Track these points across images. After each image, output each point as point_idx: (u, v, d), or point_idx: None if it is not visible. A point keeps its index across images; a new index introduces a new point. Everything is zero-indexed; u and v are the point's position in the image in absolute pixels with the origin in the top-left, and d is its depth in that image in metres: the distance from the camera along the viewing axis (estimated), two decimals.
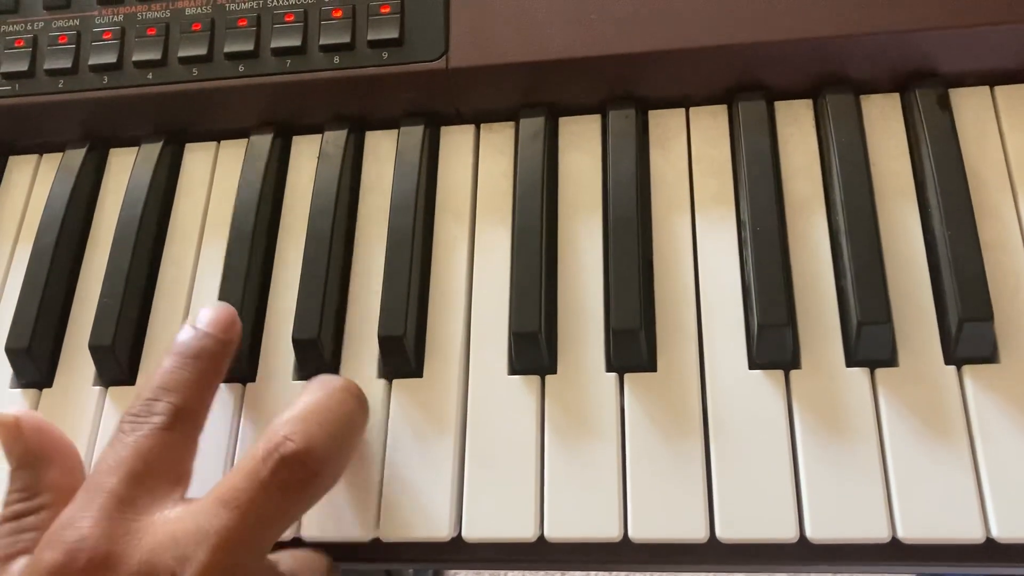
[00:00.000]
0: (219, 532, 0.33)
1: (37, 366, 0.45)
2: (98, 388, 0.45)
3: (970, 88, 0.44)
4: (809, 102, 0.46)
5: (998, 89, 0.44)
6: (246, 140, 0.49)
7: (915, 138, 0.43)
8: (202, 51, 0.48)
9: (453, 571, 1.38)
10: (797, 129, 0.45)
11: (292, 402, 0.37)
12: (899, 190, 0.43)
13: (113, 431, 0.37)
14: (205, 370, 0.39)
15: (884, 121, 0.44)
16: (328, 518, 0.40)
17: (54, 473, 0.38)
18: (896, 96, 0.45)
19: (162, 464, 0.36)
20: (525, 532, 0.39)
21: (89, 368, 0.45)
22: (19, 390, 0.46)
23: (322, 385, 0.38)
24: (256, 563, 0.35)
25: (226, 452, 0.42)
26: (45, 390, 0.46)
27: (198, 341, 0.39)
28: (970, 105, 0.44)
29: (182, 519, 0.34)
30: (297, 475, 0.35)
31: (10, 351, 0.45)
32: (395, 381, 0.43)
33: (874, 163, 0.43)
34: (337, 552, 0.41)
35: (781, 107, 0.46)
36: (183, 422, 0.37)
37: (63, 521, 0.34)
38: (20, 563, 0.35)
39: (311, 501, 0.36)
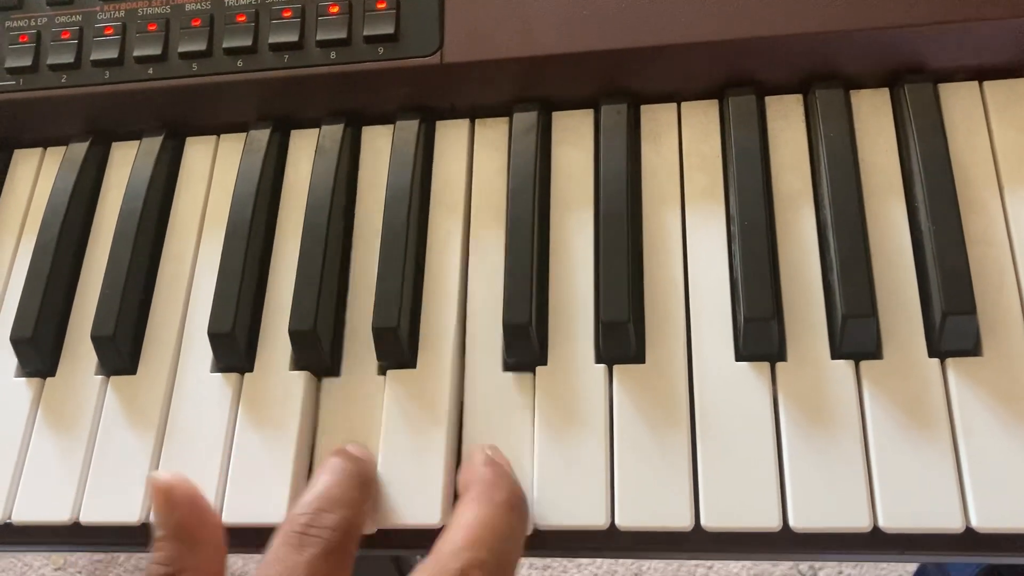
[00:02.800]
0: None
1: (41, 356, 0.46)
2: (100, 377, 0.46)
3: (959, 83, 0.45)
4: (799, 97, 0.46)
5: (987, 84, 0.44)
6: (245, 134, 0.50)
7: (903, 133, 0.44)
8: (201, 46, 0.49)
9: None
10: (787, 124, 0.46)
11: (455, 512, 0.36)
12: (887, 185, 0.43)
13: (279, 538, 0.36)
14: (367, 492, 0.38)
15: (873, 116, 0.45)
16: None
17: (202, 554, 0.37)
18: (885, 91, 0.45)
19: None
20: None
21: (91, 358, 0.46)
22: (23, 379, 0.47)
23: (488, 497, 0.37)
24: None
25: (223, 443, 0.43)
26: (49, 379, 0.47)
27: (358, 464, 0.39)
28: (959, 100, 0.44)
29: None
30: None
31: (15, 341, 0.46)
32: (389, 372, 0.43)
33: (863, 158, 0.44)
34: None
35: (772, 102, 0.46)
36: (352, 539, 0.36)
37: None
38: None
39: None
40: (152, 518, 0.38)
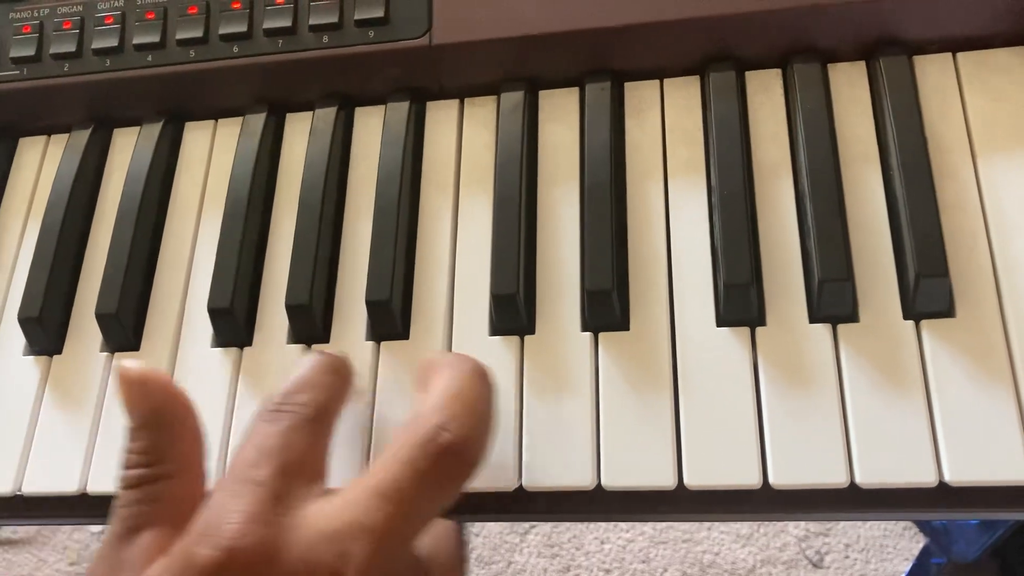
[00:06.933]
0: (380, 526, 0.32)
1: (47, 334, 0.48)
2: (105, 354, 0.48)
3: (933, 55, 0.46)
4: (778, 72, 0.47)
5: (960, 56, 0.45)
6: (242, 119, 0.52)
7: (879, 104, 0.45)
8: (198, 33, 0.50)
9: None
10: (767, 98, 0.47)
11: (429, 387, 0.37)
12: (863, 154, 0.44)
13: (250, 421, 0.36)
14: (342, 382, 0.39)
15: (850, 88, 0.46)
16: None
17: (179, 440, 0.36)
18: (862, 64, 0.47)
19: (308, 456, 0.35)
20: (506, 483, 0.41)
21: (96, 335, 0.48)
22: (31, 357, 0.48)
23: (454, 369, 0.37)
24: (410, 552, 0.35)
25: (224, 415, 0.45)
26: (55, 356, 0.48)
27: (334, 360, 0.39)
28: (932, 71, 0.45)
29: (338, 513, 0.32)
30: (455, 465, 0.34)
31: (22, 320, 0.48)
32: (383, 343, 0.45)
33: (839, 129, 0.45)
34: None
35: (752, 77, 0.47)
36: (326, 416, 0.36)
37: (213, 515, 0.32)
38: (146, 537, 0.33)
39: (461, 490, 0.35)
40: (124, 409, 0.36)
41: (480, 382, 0.37)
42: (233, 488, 0.33)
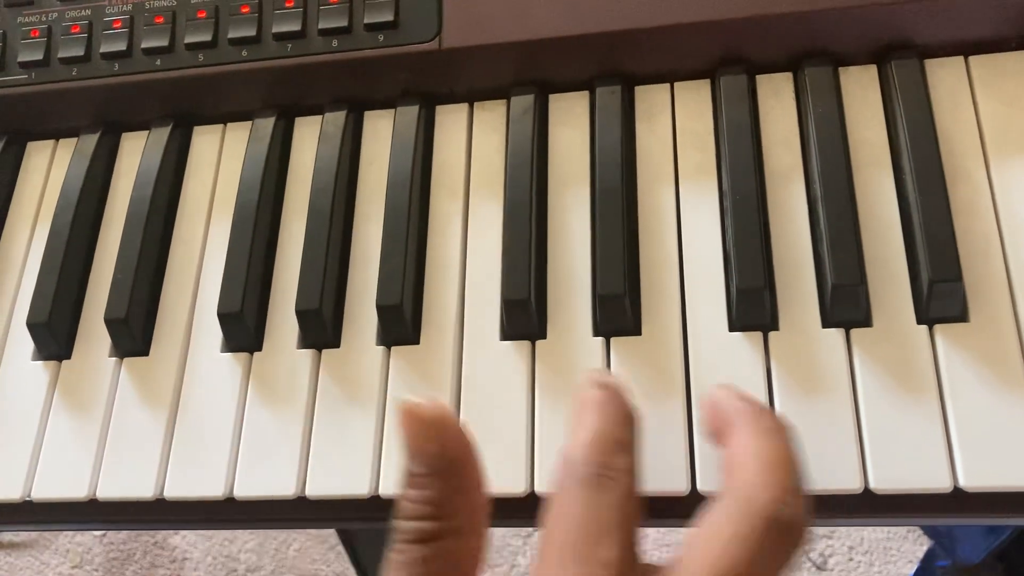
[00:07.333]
0: None
1: (56, 339, 0.48)
2: (114, 359, 0.48)
3: (944, 59, 0.46)
4: (789, 76, 0.47)
5: (972, 59, 0.45)
6: (251, 123, 0.52)
7: (891, 108, 0.45)
8: (207, 37, 0.50)
9: None
10: (778, 102, 0.47)
11: (729, 444, 0.34)
12: (875, 158, 0.44)
13: (568, 480, 0.32)
14: (637, 427, 0.35)
15: (861, 92, 0.46)
16: (331, 477, 0.42)
17: (469, 492, 0.32)
18: (873, 68, 0.46)
19: (636, 526, 0.32)
20: (518, 487, 0.41)
21: (105, 340, 0.48)
22: (40, 362, 0.48)
23: (760, 427, 0.33)
24: None
25: (234, 419, 0.45)
26: (64, 362, 0.48)
27: (620, 395, 0.35)
28: (944, 75, 0.45)
29: None
30: (794, 543, 0.31)
31: (31, 325, 0.48)
32: (393, 348, 0.45)
33: (851, 133, 0.45)
34: (339, 510, 0.43)
35: (763, 80, 0.47)
36: (637, 475, 0.33)
37: None
38: None
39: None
40: (408, 449, 0.32)
41: (791, 443, 0.33)
42: (580, 570, 0.30)
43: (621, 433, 0.34)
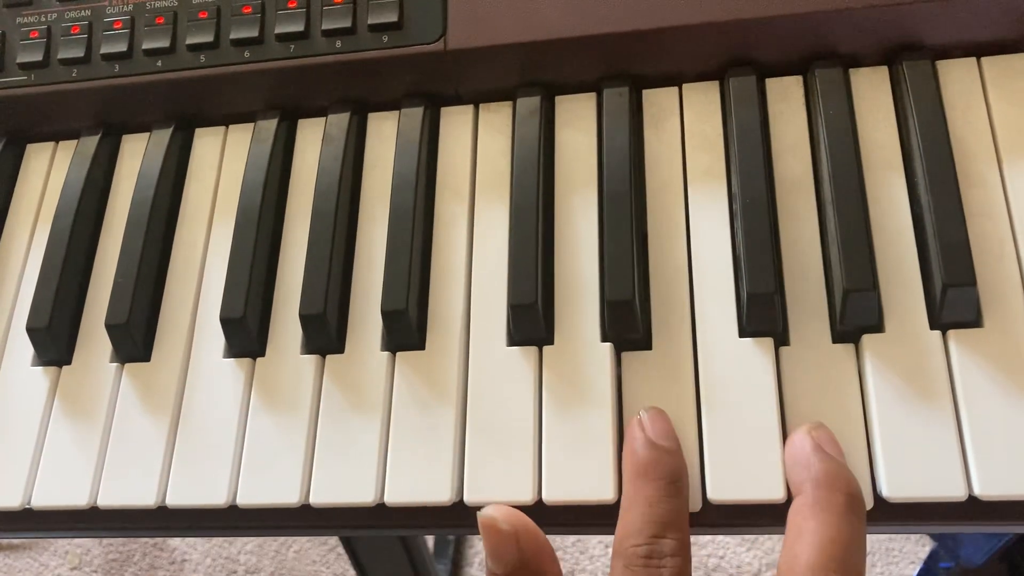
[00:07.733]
0: None
1: (56, 345, 0.47)
2: (115, 365, 0.47)
3: (956, 60, 0.45)
4: (799, 79, 0.47)
5: (984, 60, 0.45)
6: (253, 124, 0.51)
7: (902, 110, 0.44)
8: (209, 38, 0.50)
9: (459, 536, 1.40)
10: (787, 105, 0.46)
11: (801, 527, 0.35)
12: (886, 161, 0.44)
13: (620, 567, 0.36)
14: (685, 490, 0.37)
15: (872, 94, 0.45)
16: (335, 484, 0.42)
17: None
18: (884, 69, 0.46)
19: None
20: (524, 495, 0.40)
21: (106, 346, 0.47)
22: (40, 368, 0.48)
23: (829, 502, 0.35)
24: None
25: (237, 425, 0.44)
26: (65, 367, 0.47)
27: (670, 459, 0.38)
28: (956, 76, 0.45)
29: None
30: None
31: (31, 330, 0.47)
32: (399, 353, 0.44)
33: (862, 135, 0.44)
34: (346, 517, 0.42)
35: (772, 83, 0.47)
36: (688, 558, 0.36)
37: None
38: None
39: None
40: (490, 556, 0.37)
41: (855, 520, 0.35)
42: None
43: (670, 508, 0.36)
